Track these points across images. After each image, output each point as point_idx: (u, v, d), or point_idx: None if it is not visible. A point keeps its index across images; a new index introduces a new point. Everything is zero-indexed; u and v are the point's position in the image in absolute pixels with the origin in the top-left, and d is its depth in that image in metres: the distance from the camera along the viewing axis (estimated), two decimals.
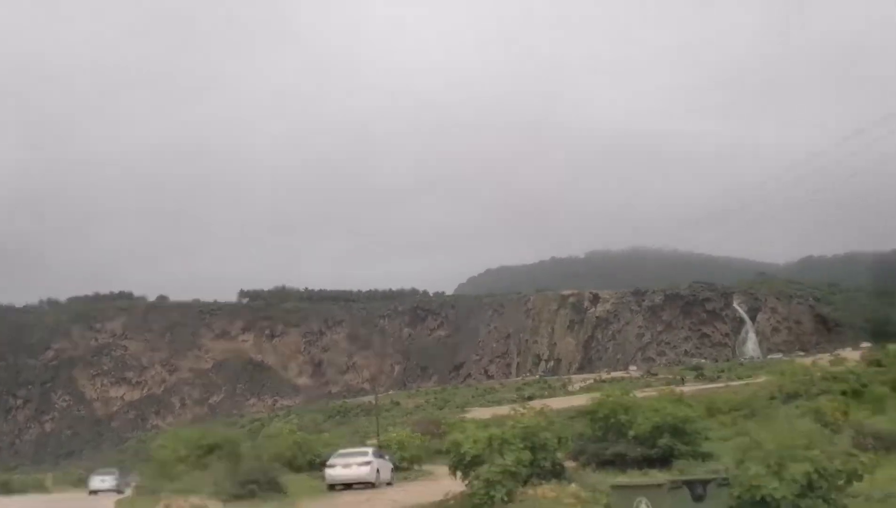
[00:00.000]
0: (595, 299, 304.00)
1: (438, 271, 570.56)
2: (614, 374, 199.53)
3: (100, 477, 65.16)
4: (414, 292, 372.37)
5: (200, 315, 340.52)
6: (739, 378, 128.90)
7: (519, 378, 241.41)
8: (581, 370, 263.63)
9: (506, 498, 21.30)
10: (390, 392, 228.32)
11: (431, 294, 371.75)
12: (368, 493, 36.16)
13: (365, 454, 41.27)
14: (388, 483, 40.76)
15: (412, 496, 30.86)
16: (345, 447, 51.64)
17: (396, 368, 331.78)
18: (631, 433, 33.35)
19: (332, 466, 39.64)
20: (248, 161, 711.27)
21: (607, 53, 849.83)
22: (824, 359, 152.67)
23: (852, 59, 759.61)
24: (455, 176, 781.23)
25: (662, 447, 32.22)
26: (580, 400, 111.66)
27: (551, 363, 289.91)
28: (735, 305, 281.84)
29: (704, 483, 16.65)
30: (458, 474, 25.09)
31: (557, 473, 25.60)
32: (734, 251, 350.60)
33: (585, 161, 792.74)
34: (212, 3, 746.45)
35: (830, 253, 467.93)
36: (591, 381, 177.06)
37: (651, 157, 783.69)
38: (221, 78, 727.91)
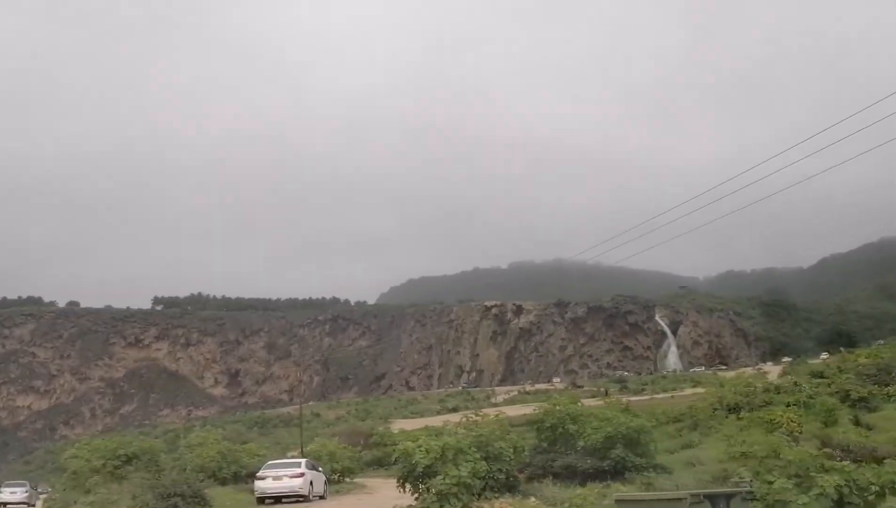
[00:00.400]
0: (518, 310, 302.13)
1: (360, 281, 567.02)
2: (538, 386, 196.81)
3: (10, 489, 61.24)
4: (335, 301, 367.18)
5: (112, 322, 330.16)
6: (664, 391, 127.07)
7: (441, 390, 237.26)
8: (503, 381, 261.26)
9: None
10: (311, 403, 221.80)
11: (353, 304, 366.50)
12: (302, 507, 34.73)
13: (297, 464, 38.28)
14: (321, 497, 37.96)
15: None
16: (272, 458, 48.58)
17: (316, 379, 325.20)
18: (580, 443, 31.30)
19: (262, 478, 36.56)
20: (165, 167, 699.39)
21: (533, 67, 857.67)
22: (747, 373, 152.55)
23: (775, 78, 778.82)
24: (377, 186, 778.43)
25: (615, 458, 29.86)
26: (518, 411, 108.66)
27: (473, 375, 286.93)
28: (657, 318, 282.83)
29: (728, 497, 15.67)
30: (407, 487, 22.83)
31: (511, 486, 24.10)
32: (656, 265, 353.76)
33: (510, 173, 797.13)
34: (127, 5, 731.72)
35: (749, 268, 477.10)
36: (516, 393, 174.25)
37: (575, 170, 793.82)
38: (138, 82, 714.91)
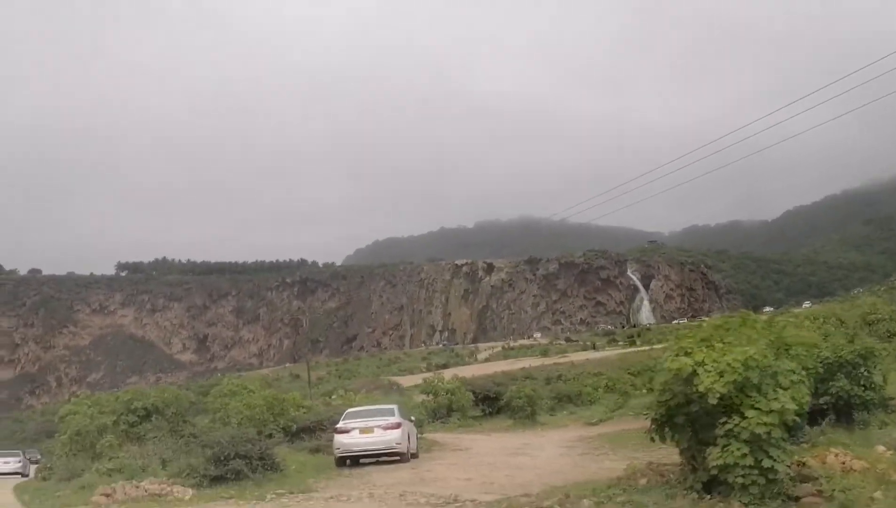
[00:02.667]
0: (489, 268, 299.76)
1: (325, 243, 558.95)
2: (522, 342, 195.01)
3: (2, 459, 58.44)
4: (303, 263, 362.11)
5: (76, 289, 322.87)
6: (658, 342, 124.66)
7: (422, 348, 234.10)
8: (476, 340, 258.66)
9: (788, 470, 11.97)
10: (287, 366, 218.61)
11: (321, 265, 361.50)
12: (402, 472, 24.86)
13: (390, 411, 29.75)
14: (414, 455, 29.57)
15: (479, 481, 20.75)
16: (323, 410, 42.32)
17: (286, 342, 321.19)
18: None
19: (344, 431, 28.08)
20: (126, 134, 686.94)
21: (497, 25, 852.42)
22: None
23: (737, 36, 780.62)
24: (341, 147, 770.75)
25: (835, 393, 20.44)
26: (513, 365, 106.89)
27: (446, 334, 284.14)
28: (629, 272, 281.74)
29: None
30: (668, 432, 13.50)
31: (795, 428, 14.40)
32: (621, 222, 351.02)
33: (473, 132, 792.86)
34: None
35: (713, 222, 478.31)
36: (500, 348, 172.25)
37: (539, 128, 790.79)
38: (101, 47, 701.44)
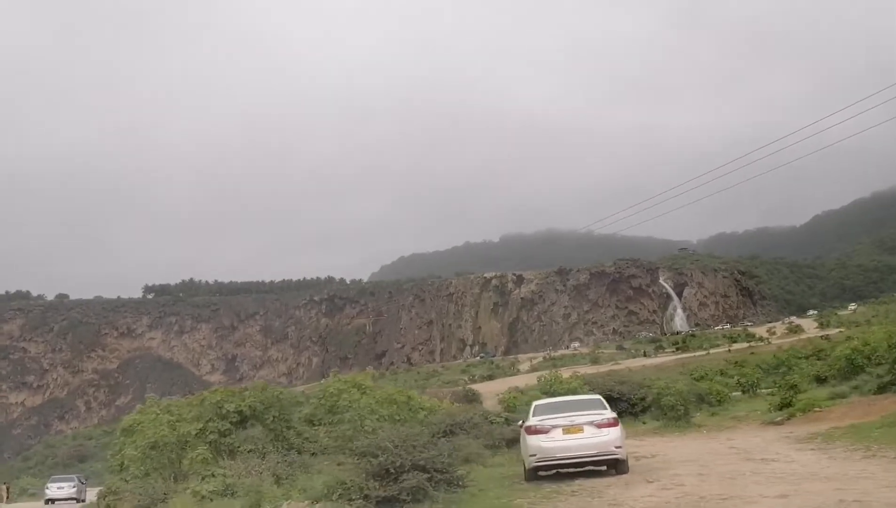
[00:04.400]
0: (519, 280, 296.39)
1: (350, 262, 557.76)
2: (563, 352, 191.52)
3: (57, 485, 57.14)
4: (330, 280, 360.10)
5: (103, 313, 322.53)
6: (713, 348, 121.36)
7: (459, 361, 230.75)
8: (507, 353, 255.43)
9: None
10: (321, 382, 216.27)
11: (348, 282, 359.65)
12: (641, 487, 17.81)
13: (598, 404, 21.83)
14: (619, 461, 20.56)
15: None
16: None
17: (314, 360, 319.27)
18: None
19: (540, 430, 19.99)
20: (155, 154, 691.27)
21: (520, 40, 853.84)
22: (778, 328, 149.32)
23: (760, 46, 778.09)
24: (365, 166, 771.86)
25: None
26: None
27: (476, 348, 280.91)
28: (661, 281, 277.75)
29: None
30: None
31: None
32: (648, 231, 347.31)
33: (497, 147, 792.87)
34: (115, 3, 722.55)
35: (741, 229, 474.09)
36: (541, 359, 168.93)
37: (562, 141, 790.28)
38: (124, 72, 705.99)
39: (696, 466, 20.96)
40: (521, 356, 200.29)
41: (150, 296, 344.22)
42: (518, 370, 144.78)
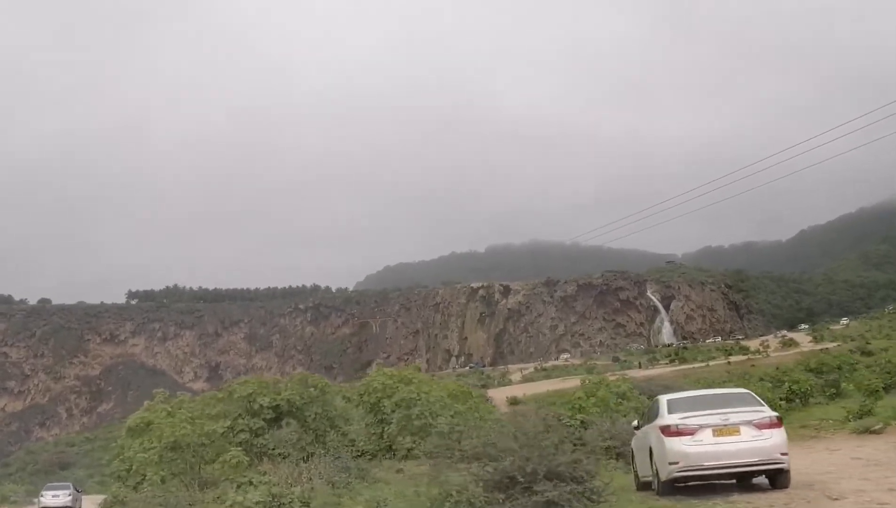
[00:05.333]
0: (506, 290, 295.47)
1: (335, 271, 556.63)
2: (553, 363, 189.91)
3: (52, 493, 54.70)
4: (315, 288, 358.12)
5: (86, 318, 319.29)
6: (702, 361, 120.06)
7: (449, 370, 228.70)
8: (494, 364, 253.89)
9: None
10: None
11: (334, 291, 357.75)
12: None
13: (750, 399, 17.41)
14: (782, 471, 16.23)
15: None
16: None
17: (299, 369, 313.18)
18: None
19: (684, 431, 15.88)
20: (141, 159, 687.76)
21: (507, 51, 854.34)
22: (771, 342, 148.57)
23: (749, 58, 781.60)
24: (350, 173, 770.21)
25: None
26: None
27: (462, 359, 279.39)
28: (649, 293, 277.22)
29: None
30: None
31: None
32: (634, 243, 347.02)
33: (483, 157, 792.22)
34: (97, 4, 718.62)
35: (727, 243, 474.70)
36: (532, 370, 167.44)
37: (551, 151, 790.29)
38: (112, 75, 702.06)
39: (857, 481, 16.57)
40: (511, 367, 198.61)
41: (133, 302, 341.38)
42: (510, 381, 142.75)
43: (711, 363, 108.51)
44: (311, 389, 32.23)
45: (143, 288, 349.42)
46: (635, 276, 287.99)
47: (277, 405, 30.16)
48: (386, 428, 32.14)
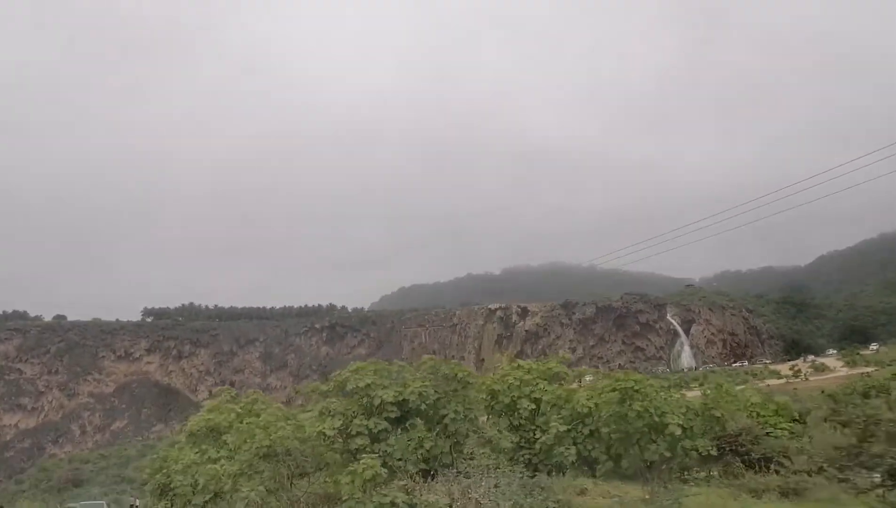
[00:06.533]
0: (524, 312, 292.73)
1: (351, 292, 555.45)
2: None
3: None
4: (331, 308, 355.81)
5: (101, 335, 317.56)
6: (742, 383, 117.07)
7: None
8: None
9: None
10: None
11: (350, 311, 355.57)
12: None
13: None
14: None
15: None
16: None
17: None
18: None
19: None
20: (159, 177, 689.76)
21: (529, 78, 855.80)
22: (801, 366, 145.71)
23: (768, 82, 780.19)
24: (367, 199, 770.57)
25: None
26: None
27: None
28: (669, 317, 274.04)
29: None
30: None
31: None
32: (652, 267, 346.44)
33: (502, 179, 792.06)
34: (123, 29, 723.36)
35: (745, 267, 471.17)
36: None
37: (565, 176, 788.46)
38: (132, 96, 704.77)
39: None
40: None
41: (148, 319, 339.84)
42: None
43: (739, 387, 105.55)
44: (450, 379, 25.53)
45: (159, 306, 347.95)
46: (655, 299, 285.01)
47: (404, 401, 23.82)
48: (537, 434, 27.67)
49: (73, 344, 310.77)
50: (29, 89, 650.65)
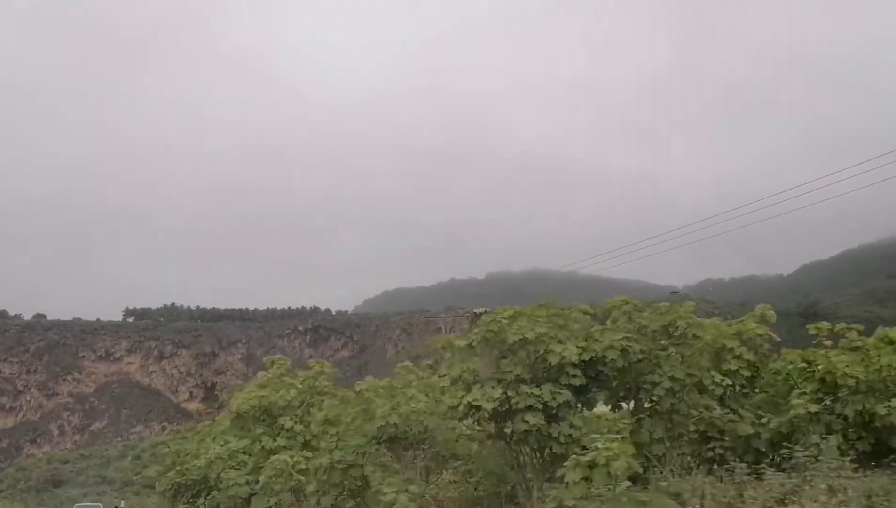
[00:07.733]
0: None
1: (333, 294, 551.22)
2: None
3: None
4: (315, 310, 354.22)
5: (81, 335, 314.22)
6: None
7: None
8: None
9: None
10: None
11: (334, 313, 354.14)
12: None
13: None
14: None
15: None
16: None
17: None
18: None
19: None
20: (142, 177, 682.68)
21: (514, 86, 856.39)
22: None
23: (754, 94, 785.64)
24: (351, 201, 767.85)
25: None
26: None
27: None
28: None
29: None
30: None
31: None
32: (634, 274, 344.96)
33: (485, 184, 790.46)
34: (115, 23, 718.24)
35: (728, 276, 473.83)
36: None
37: (550, 182, 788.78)
38: (117, 95, 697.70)
39: None
40: None
41: (130, 319, 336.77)
42: None
43: None
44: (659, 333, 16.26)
45: (141, 306, 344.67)
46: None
47: (593, 360, 15.25)
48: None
49: (52, 343, 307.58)
50: (14, 87, 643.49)
